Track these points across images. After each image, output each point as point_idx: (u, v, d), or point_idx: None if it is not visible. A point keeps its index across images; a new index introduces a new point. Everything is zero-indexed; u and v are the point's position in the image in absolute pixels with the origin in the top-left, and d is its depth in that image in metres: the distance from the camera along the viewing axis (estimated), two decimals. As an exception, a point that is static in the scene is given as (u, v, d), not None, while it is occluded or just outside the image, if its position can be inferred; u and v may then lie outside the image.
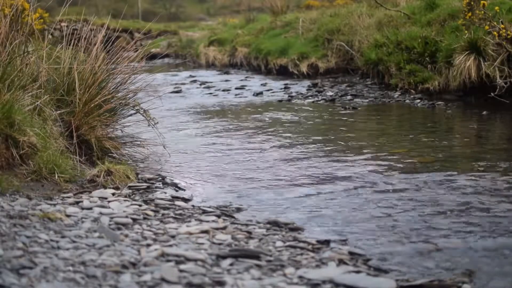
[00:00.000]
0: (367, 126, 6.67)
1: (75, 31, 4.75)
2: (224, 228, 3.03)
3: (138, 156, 4.74)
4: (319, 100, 8.71)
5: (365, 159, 4.69)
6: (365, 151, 5.04)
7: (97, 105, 4.37)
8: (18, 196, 3.23)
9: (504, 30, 7.21)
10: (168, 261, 2.45)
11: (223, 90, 10.30)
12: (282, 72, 12.09)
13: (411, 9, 10.25)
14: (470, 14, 7.78)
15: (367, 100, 8.50)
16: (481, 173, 4.11)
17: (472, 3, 7.78)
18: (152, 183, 3.95)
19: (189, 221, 3.14)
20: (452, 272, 2.49)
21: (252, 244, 2.80)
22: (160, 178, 4.10)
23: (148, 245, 2.66)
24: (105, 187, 3.66)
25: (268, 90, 10.02)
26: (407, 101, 8.19)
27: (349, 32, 11.14)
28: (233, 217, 3.29)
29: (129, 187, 3.73)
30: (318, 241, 2.88)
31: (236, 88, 10.46)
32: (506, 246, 2.77)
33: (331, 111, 7.77)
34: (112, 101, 4.59)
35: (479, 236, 2.91)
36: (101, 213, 3.11)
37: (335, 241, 2.89)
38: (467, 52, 7.50)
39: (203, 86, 11.13)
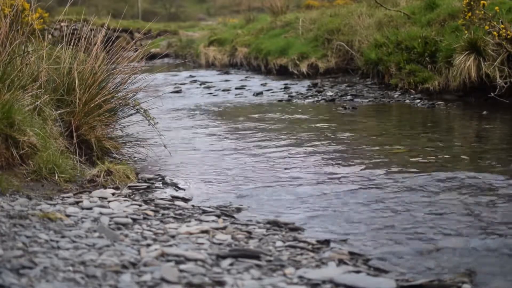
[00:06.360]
0: (367, 126, 6.67)
1: (75, 31, 4.75)
2: (224, 228, 3.03)
3: (138, 156, 4.74)
4: (319, 100, 8.71)
5: (365, 159, 4.69)
6: (365, 151, 5.04)
7: (97, 105, 4.37)
8: (18, 196, 3.23)
9: (504, 30, 7.21)
10: (168, 261, 2.45)
11: (223, 90, 10.31)
12: (282, 72, 12.09)
13: (411, 9, 10.25)
14: (470, 14, 7.78)
15: (367, 100, 8.50)
16: (481, 173, 4.11)
17: (472, 3, 7.78)
18: (152, 183, 3.95)
19: (189, 221, 3.14)
20: (452, 272, 2.49)
21: (252, 244, 2.80)
22: (160, 178, 4.10)
23: (148, 245, 2.66)
24: (105, 187, 3.66)
25: (268, 90, 10.02)
26: (407, 101, 8.19)
27: (349, 32, 11.15)
28: (233, 217, 3.29)
29: (129, 187, 3.74)
30: (318, 241, 2.88)
31: (236, 88, 10.47)
32: (506, 246, 2.76)
33: (331, 111, 7.77)
34: (112, 101, 4.59)
35: (479, 236, 2.91)
36: (101, 213, 3.11)
37: (335, 241, 2.89)
38: (467, 52, 7.50)
39: (203, 86, 11.14)
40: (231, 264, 2.48)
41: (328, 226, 3.13)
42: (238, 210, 3.44)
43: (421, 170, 4.27)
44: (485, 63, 7.35)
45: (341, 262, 2.60)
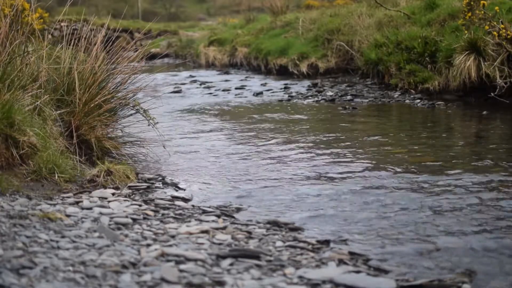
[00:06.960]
0: (367, 126, 6.67)
1: (75, 31, 4.75)
2: (224, 228, 3.03)
3: (138, 156, 4.74)
4: (319, 100, 8.71)
5: (365, 159, 4.69)
6: (365, 151, 5.04)
7: (97, 105, 4.37)
8: (18, 196, 3.23)
9: (504, 30, 7.21)
10: (168, 261, 2.45)
11: (223, 90, 10.31)
12: (282, 72, 12.09)
13: (411, 9, 10.25)
14: (470, 14, 7.79)
15: (367, 100, 8.50)
16: (481, 173, 4.11)
17: (472, 3, 7.78)
18: (152, 183, 3.95)
19: (189, 221, 3.14)
20: (452, 272, 2.49)
21: (252, 244, 2.80)
22: (160, 178, 4.10)
23: (148, 245, 2.66)
24: (105, 187, 3.66)
25: (268, 90, 10.02)
26: (407, 101, 8.19)
27: (349, 32, 11.15)
28: (233, 217, 3.29)
29: (129, 187, 3.73)
30: (318, 241, 2.88)
31: (236, 88, 10.47)
32: (506, 246, 2.77)
33: (331, 111, 7.77)
34: (112, 101, 4.59)
35: (479, 236, 2.91)
36: (101, 213, 3.11)
37: (335, 241, 2.89)
38: (467, 52, 7.50)
39: (203, 86, 11.14)
40: (231, 264, 2.48)
41: (328, 226, 3.13)
42: (238, 210, 3.44)
43: (421, 170, 4.27)
44: (485, 63, 7.35)
45: (341, 262, 2.60)
